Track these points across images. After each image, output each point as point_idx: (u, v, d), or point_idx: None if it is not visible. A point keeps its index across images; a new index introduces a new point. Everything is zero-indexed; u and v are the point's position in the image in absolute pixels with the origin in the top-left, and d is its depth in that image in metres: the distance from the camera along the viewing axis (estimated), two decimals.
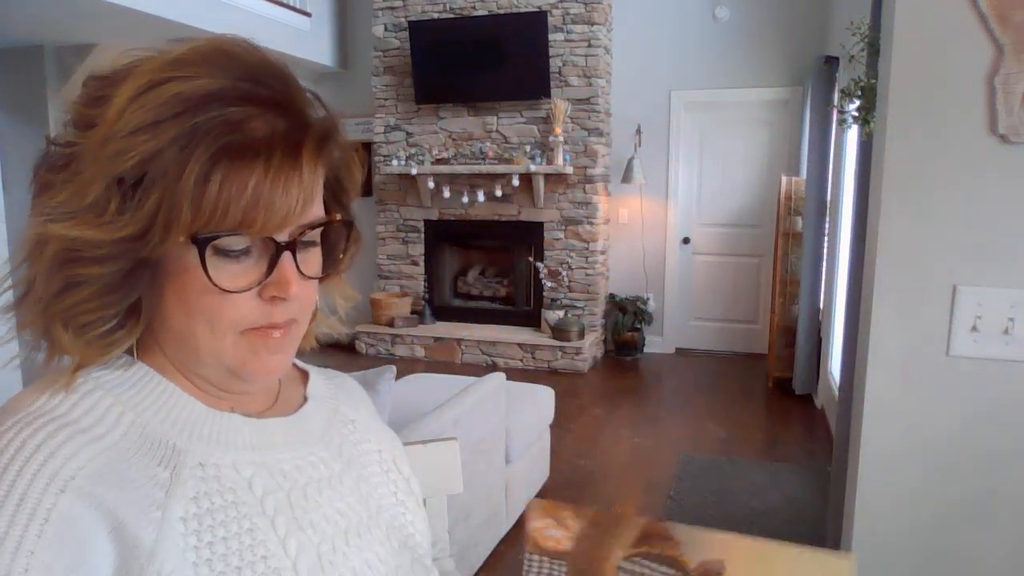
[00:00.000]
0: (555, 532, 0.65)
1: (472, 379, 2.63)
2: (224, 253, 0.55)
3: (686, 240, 5.70)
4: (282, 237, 0.57)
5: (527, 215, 5.52)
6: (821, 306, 4.42)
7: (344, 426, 0.74)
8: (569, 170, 5.26)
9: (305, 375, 0.76)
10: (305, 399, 0.72)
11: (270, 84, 0.56)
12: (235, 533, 0.56)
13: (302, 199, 0.55)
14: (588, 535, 0.64)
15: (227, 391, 0.63)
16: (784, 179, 4.68)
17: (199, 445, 0.59)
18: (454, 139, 5.60)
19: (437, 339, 5.54)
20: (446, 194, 5.53)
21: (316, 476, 0.65)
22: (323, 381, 0.77)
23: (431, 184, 5.55)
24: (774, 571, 0.60)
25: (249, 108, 0.54)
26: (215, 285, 0.55)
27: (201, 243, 0.54)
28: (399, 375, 2.37)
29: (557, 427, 3.44)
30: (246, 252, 0.56)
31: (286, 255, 0.57)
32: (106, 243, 0.53)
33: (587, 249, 5.43)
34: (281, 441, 0.64)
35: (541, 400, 3.07)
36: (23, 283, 0.56)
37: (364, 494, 0.69)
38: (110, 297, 0.55)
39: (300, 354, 0.69)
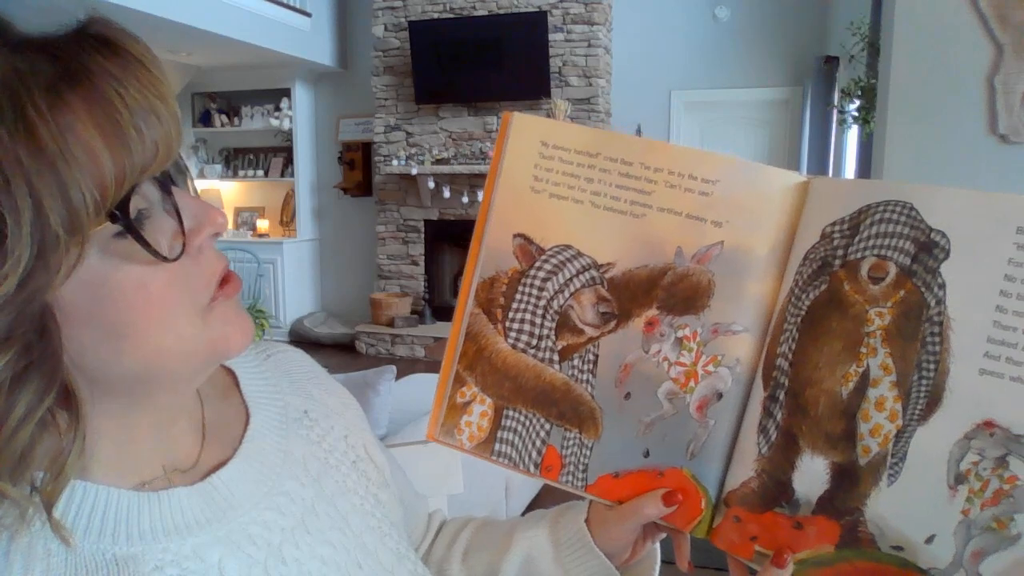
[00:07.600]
0: None
1: None
2: (132, 223, 0.41)
3: None
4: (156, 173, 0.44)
5: None
6: None
7: (300, 426, 0.60)
8: None
9: (231, 373, 0.60)
10: (247, 412, 0.58)
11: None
12: None
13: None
14: None
15: (189, 383, 0.51)
16: None
17: (147, 544, 0.45)
18: (454, 139, 5.60)
19: (437, 339, 5.53)
20: (446, 194, 5.52)
21: (289, 524, 0.53)
22: (257, 374, 0.62)
23: (431, 184, 5.55)
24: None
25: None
26: (158, 255, 0.42)
27: (122, 216, 0.40)
28: (399, 375, 2.37)
29: None
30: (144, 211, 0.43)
31: (173, 188, 0.45)
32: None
33: None
34: (240, 496, 0.52)
35: None
36: None
37: (344, 514, 0.58)
38: (32, 387, 0.39)
39: None
